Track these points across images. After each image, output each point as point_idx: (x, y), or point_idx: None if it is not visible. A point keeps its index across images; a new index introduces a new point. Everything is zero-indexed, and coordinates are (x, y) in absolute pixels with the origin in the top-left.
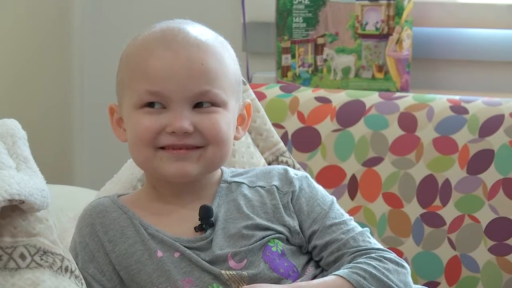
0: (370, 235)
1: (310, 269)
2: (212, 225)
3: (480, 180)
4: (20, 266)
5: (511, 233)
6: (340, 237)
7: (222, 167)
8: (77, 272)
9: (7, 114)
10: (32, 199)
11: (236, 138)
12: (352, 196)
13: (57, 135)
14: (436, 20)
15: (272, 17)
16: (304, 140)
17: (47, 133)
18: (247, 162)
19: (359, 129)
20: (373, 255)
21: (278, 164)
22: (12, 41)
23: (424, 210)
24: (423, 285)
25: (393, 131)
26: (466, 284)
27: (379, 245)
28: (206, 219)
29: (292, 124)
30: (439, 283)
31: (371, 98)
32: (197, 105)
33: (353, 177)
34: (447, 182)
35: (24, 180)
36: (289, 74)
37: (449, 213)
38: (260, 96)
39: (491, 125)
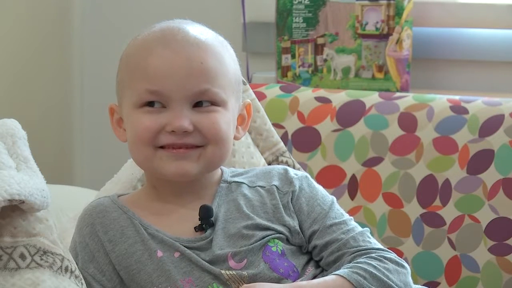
0: (370, 235)
1: (310, 269)
2: (212, 225)
3: (480, 180)
4: (20, 266)
5: (511, 233)
6: (340, 237)
7: (222, 167)
8: (77, 272)
9: (7, 114)
10: (32, 199)
11: (236, 138)
12: (352, 196)
13: (57, 135)
14: (436, 20)
15: (272, 17)
16: (304, 140)
17: (47, 133)
18: (247, 162)
19: (359, 129)
20: (373, 255)
21: (278, 164)
22: (12, 41)
23: (424, 210)
24: (423, 285)
25: (393, 131)
26: (466, 284)
27: (379, 245)
28: (206, 219)
29: (292, 124)
30: (439, 283)
31: (371, 98)
32: (197, 104)
33: (353, 177)
34: (447, 182)
35: (24, 180)
36: (289, 74)
37: (449, 213)
38: (260, 96)
39: (491, 125)
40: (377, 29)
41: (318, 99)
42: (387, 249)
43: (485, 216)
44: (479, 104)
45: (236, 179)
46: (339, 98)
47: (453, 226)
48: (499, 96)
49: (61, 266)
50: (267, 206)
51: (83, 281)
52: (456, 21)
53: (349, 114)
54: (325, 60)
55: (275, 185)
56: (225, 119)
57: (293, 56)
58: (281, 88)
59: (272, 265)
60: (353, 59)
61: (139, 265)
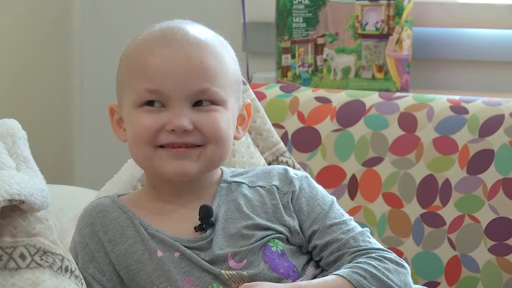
0: (370, 235)
1: (310, 269)
2: (212, 225)
3: (480, 180)
4: (20, 266)
5: (511, 233)
6: (340, 237)
7: (222, 167)
8: (77, 272)
9: (7, 114)
10: (32, 199)
11: (236, 138)
12: (352, 196)
13: (57, 135)
14: (436, 20)
15: (272, 17)
16: (304, 140)
17: (47, 133)
18: (247, 162)
19: (359, 129)
20: (373, 255)
21: (278, 164)
22: (12, 41)
23: (424, 210)
24: (423, 285)
25: (393, 131)
26: (466, 284)
27: (379, 245)
28: (206, 219)
29: (292, 124)
30: (439, 283)
31: (371, 98)
32: (197, 104)
33: (353, 177)
34: (447, 182)
35: (24, 180)
36: (289, 74)
37: (449, 213)
38: (260, 96)
39: (491, 125)
40: (377, 29)
41: (318, 99)
42: (387, 249)
43: (485, 216)
44: (479, 104)
45: (236, 179)
46: (339, 98)
47: (453, 226)
48: (499, 96)
49: (61, 266)
50: (267, 206)
51: (83, 281)
52: (456, 21)
53: (349, 114)
54: (325, 60)
55: (275, 185)
56: (225, 119)
57: (293, 56)
58: (281, 88)
59: (272, 265)
60: (353, 59)
61: (139, 265)
